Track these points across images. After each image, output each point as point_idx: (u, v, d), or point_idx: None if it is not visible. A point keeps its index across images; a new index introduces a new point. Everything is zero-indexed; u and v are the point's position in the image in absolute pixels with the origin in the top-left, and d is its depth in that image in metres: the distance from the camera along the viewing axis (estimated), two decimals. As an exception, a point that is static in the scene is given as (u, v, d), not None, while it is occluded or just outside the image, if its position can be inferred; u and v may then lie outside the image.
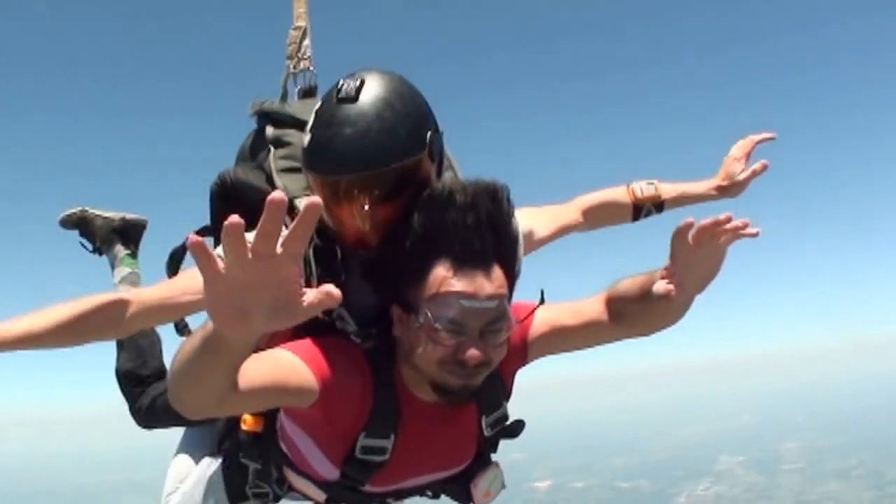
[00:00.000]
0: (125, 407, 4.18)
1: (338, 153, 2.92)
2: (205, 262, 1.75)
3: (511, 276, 2.90)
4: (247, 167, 3.59)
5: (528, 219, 3.55)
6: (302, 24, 4.23)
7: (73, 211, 5.12)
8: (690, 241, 2.52)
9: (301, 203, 3.00)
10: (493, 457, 3.54)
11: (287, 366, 2.82)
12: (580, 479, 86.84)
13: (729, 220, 2.46)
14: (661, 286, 2.63)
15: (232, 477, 3.62)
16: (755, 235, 2.51)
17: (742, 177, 3.92)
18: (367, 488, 3.23)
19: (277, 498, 3.59)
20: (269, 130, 3.59)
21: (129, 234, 5.16)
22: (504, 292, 2.82)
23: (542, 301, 3.14)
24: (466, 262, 2.76)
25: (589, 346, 3.36)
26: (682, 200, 3.98)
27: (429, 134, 3.04)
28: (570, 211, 3.92)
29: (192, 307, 3.37)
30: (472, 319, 2.74)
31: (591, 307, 3.11)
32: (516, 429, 3.35)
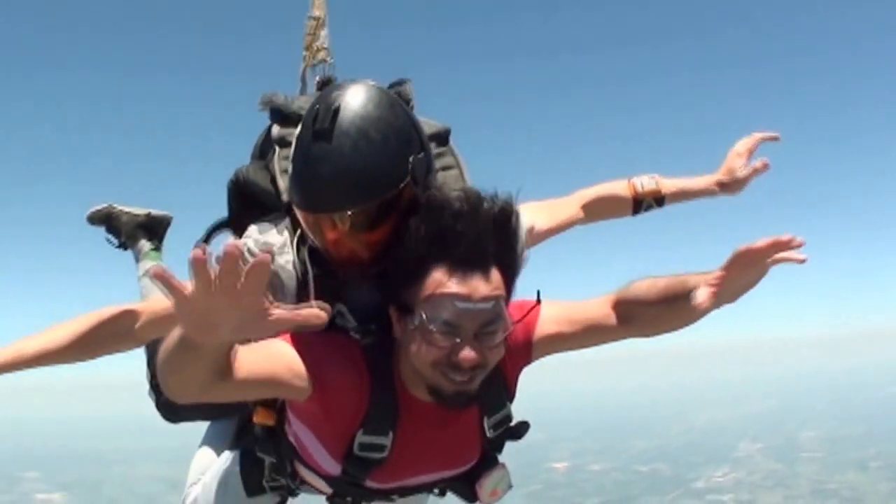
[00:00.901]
0: (142, 374, 4.21)
1: (317, 192, 2.97)
2: (171, 290, 2.00)
3: (509, 278, 2.92)
4: (256, 166, 3.61)
5: (530, 214, 3.55)
6: (319, 13, 4.18)
7: (100, 207, 5.23)
8: (747, 260, 2.57)
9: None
10: (501, 457, 3.56)
11: (281, 358, 2.88)
12: (598, 462, 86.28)
13: (790, 242, 2.50)
14: (704, 293, 2.63)
15: (249, 470, 3.66)
16: (802, 262, 2.52)
17: (743, 174, 3.93)
18: (370, 484, 3.26)
19: (293, 491, 3.66)
20: (275, 129, 3.58)
21: (154, 229, 5.25)
22: (500, 294, 2.85)
23: (538, 301, 3.16)
24: (463, 264, 2.79)
25: (592, 346, 3.40)
26: (683, 196, 4.03)
27: (411, 158, 3.03)
28: (570, 205, 3.93)
29: None
30: (467, 321, 2.77)
31: (599, 308, 3.14)
32: (520, 430, 3.36)
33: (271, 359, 2.85)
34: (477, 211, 2.81)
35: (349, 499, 3.49)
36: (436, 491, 3.55)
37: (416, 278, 2.83)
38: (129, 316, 3.45)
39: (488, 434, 3.23)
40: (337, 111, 2.95)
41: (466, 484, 3.42)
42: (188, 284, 2.02)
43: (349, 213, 2.94)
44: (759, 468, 78.90)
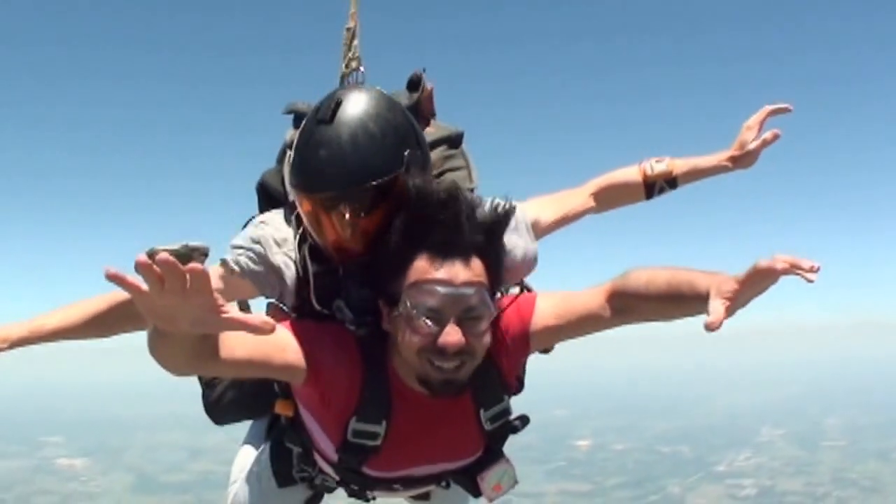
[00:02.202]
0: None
1: (315, 173, 3.13)
2: (127, 287, 2.10)
3: (492, 267, 2.98)
4: (275, 169, 3.79)
5: (535, 207, 3.67)
6: (352, 24, 4.21)
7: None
8: (765, 278, 2.48)
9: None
10: (508, 452, 3.61)
11: (275, 342, 2.94)
12: (621, 441, 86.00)
13: (809, 268, 2.41)
14: (719, 310, 2.51)
15: (278, 462, 3.74)
16: (811, 281, 2.42)
17: (752, 146, 3.80)
18: (369, 472, 3.33)
19: (325, 485, 3.74)
20: (289, 133, 3.73)
21: (192, 259, 5.35)
22: (482, 281, 2.90)
23: (522, 290, 3.38)
24: (443, 252, 2.87)
25: (587, 335, 3.43)
26: (695, 174, 3.91)
27: (407, 152, 3.17)
28: (580, 195, 3.90)
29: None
30: (449, 306, 2.83)
31: (595, 300, 3.12)
32: (519, 425, 3.41)
33: (266, 342, 2.88)
34: (454, 200, 2.90)
35: (355, 487, 3.64)
36: (443, 483, 3.61)
37: (399, 268, 2.92)
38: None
39: (486, 427, 3.26)
40: (339, 104, 3.16)
41: (470, 477, 3.49)
42: (142, 283, 2.14)
43: (343, 194, 3.09)
44: (780, 454, 78.38)
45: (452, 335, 2.82)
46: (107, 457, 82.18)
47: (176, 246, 5.76)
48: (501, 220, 3.03)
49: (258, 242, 3.43)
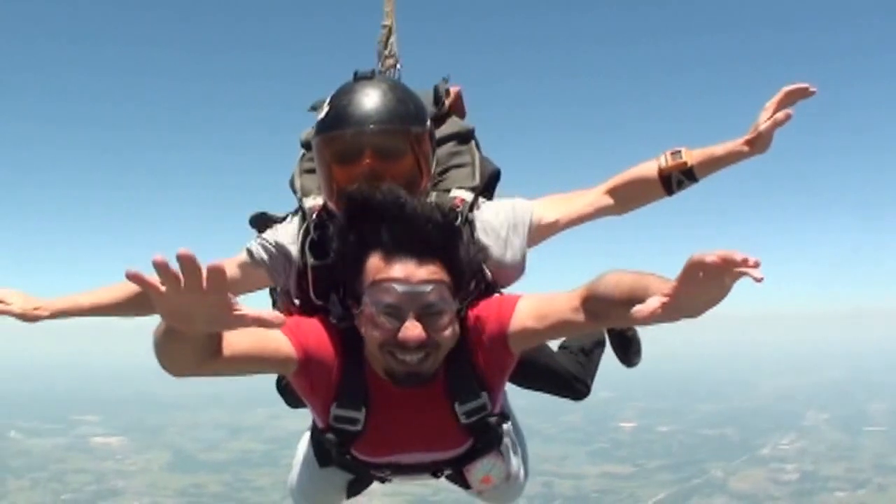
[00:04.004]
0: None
1: (357, 109, 3.31)
2: (146, 287, 2.19)
3: (452, 264, 3.01)
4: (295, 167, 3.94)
5: (539, 207, 3.72)
6: (387, 22, 4.32)
7: None
8: (701, 274, 2.30)
9: (307, 203, 3.68)
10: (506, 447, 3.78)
11: (269, 338, 3.07)
12: (665, 423, 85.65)
13: (744, 262, 2.21)
14: (651, 305, 2.38)
15: (317, 444, 3.83)
16: (760, 280, 2.23)
17: (763, 127, 3.56)
18: (358, 456, 3.44)
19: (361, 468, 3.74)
20: (303, 133, 3.89)
21: None
22: (440, 278, 2.95)
23: (489, 292, 3.46)
24: (396, 251, 2.94)
25: (567, 336, 3.75)
26: (712, 163, 3.69)
27: (428, 122, 3.46)
28: (594, 192, 3.81)
29: (233, 289, 3.52)
30: (407, 303, 2.90)
31: (569, 304, 3.02)
32: (494, 422, 3.39)
33: (261, 339, 3.04)
34: (397, 200, 2.98)
35: (351, 474, 3.86)
36: (438, 475, 3.71)
37: (358, 269, 3.01)
38: None
39: (462, 420, 3.31)
40: (375, 71, 3.54)
41: (459, 470, 3.61)
42: (160, 283, 2.22)
43: (376, 129, 3.29)
44: (824, 438, 77.41)
45: (412, 330, 2.90)
46: (143, 435, 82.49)
47: None
48: (451, 219, 3.14)
49: (271, 236, 3.68)
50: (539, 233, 3.71)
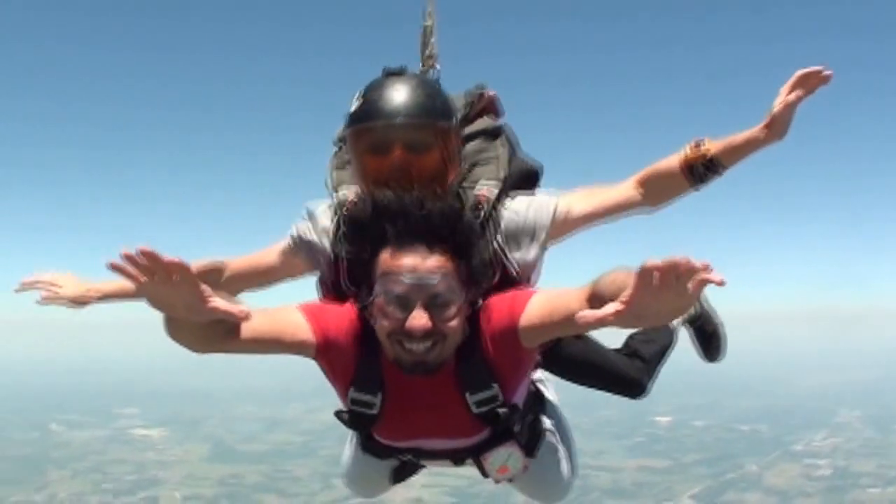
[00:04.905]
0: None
1: (387, 102, 3.35)
2: (127, 277, 2.38)
3: (462, 256, 3.02)
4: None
5: (565, 200, 3.70)
6: (429, 21, 4.29)
7: None
8: (656, 281, 2.27)
9: (339, 195, 3.69)
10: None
11: (288, 321, 3.18)
12: (701, 418, 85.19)
13: (688, 265, 2.20)
14: (595, 313, 2.43)
15: None
16: (721, 284, 2.21)
17: (776, 110, 3.45)
18: (379, 439, 3.51)
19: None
20: (339, 130, 3.78)
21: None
22: (447, 269, 2.96)
23: (512, 284, 3.43)
24: (404, 243, 2.96)
25: (577, 333, 3.63)
26: (733, 152, 3.55)
27: (456, 118, 3.49)
28: (622, 186, 3.74)
29: (273, 275, 3.95)
30: (414, 293, 2.92)
31: (576, 303, 2.84)
32: (503, 413, 3.33)
33: (279, 322, 3.16)
34: (406, 195, 3.03)
35: (376, 458, 3.81)
36: (460, 462, 3.70)
37: (371, 262, 3.03)
38: (216, 269, 3.92)
39: (473, 409, 3.28)
40: (404, 69, 3.53)
41: (477, 458, 3.59)
42: (139, 275, 2.38)
43: (405, 122, 3.33)
44: (857, 435, 77.01)
45: (418, 319, 2.91)
46: (183, 427, 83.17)
47: None
48: (458, 211, 3.13)
49: (309, 225, 3.76)
50: (563, 226, 3.71)
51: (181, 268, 2.41)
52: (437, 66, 4.23)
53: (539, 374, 4.15)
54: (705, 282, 2.22)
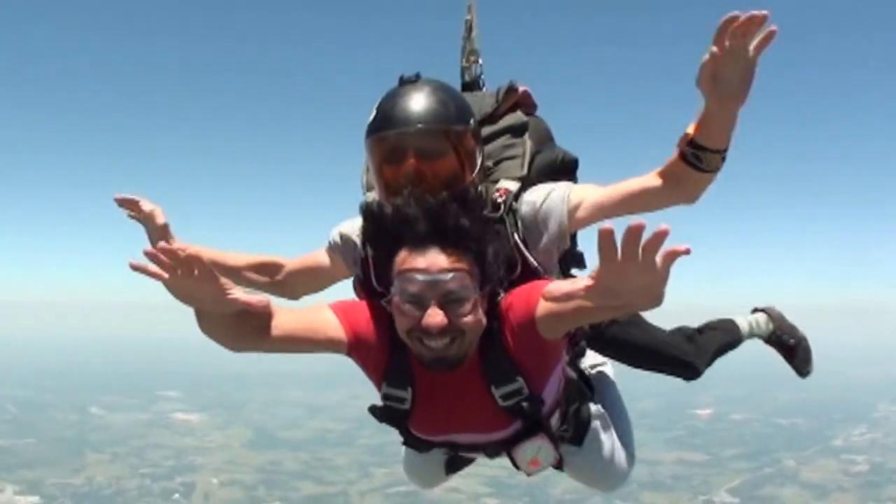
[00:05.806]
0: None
1: (400, 112, 3.37)
2: (150, 275, 2.50)
3: (476, 254, 3.06)
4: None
5: (579, 191, 3.61)
6: (469, 16, 4.30)
7: None
8: (619, 254, 2.33)
9: (367, 198, 3.78)
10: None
11: (320, 319, 3.30)
12: (740, 411, 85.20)
13: (636, 230, 2.26)
14: (562, 288, 2.60)
15: None
16: (686, 252, 2.25)
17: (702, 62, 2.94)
18: (415, 433, 3.56)
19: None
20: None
21: None
22: (461, 267, 3.00)
23: (534, 277, 3.46)
24: (419, 244, 3.02)
25: (592, 322, 3.57)
26: (705, 123, 3.14)
27: (472, 121, 3.49)
28: (644, 177, 3.46)
29: (326, 274, 3.96)
30: (429, 291, 2.98)
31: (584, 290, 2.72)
32: (526, 407, 3.35)
33: (311, 320, 3.28)
34: (422, 198, 3.06)
35: (417, 449, 3.83)
36: (494, 455, 3.77)
37: (389, 264, 3.12)
38: (279, 265, 4.04)
39: (500, 403, 3.33)
40: (419, 76, 3.53)
41: (509, 451, 3.61)
42: (161, 272, 2.50)
43: (419, 130, 3.34)
44: (895, 430, 76.76)
45: (433, 317, 2.97)
46: (224, 412, 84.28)
47: None
48: (470, 211, 3.09)
49: (345, 227, 3.83)
50: (582, 213, 3.58)
51: (200, 262, 2.57)
52: (480, 62, 4.30)
53: (593, 357, 4.38)
54: (673, 254, 2.32)
